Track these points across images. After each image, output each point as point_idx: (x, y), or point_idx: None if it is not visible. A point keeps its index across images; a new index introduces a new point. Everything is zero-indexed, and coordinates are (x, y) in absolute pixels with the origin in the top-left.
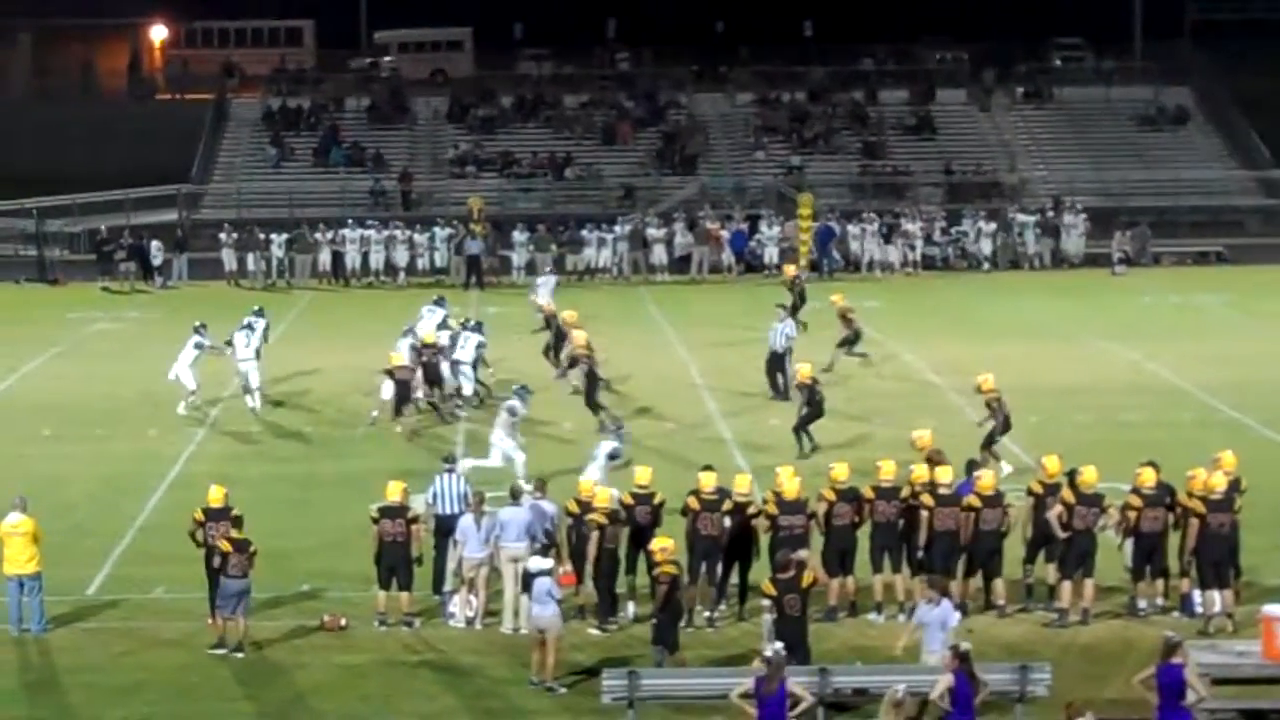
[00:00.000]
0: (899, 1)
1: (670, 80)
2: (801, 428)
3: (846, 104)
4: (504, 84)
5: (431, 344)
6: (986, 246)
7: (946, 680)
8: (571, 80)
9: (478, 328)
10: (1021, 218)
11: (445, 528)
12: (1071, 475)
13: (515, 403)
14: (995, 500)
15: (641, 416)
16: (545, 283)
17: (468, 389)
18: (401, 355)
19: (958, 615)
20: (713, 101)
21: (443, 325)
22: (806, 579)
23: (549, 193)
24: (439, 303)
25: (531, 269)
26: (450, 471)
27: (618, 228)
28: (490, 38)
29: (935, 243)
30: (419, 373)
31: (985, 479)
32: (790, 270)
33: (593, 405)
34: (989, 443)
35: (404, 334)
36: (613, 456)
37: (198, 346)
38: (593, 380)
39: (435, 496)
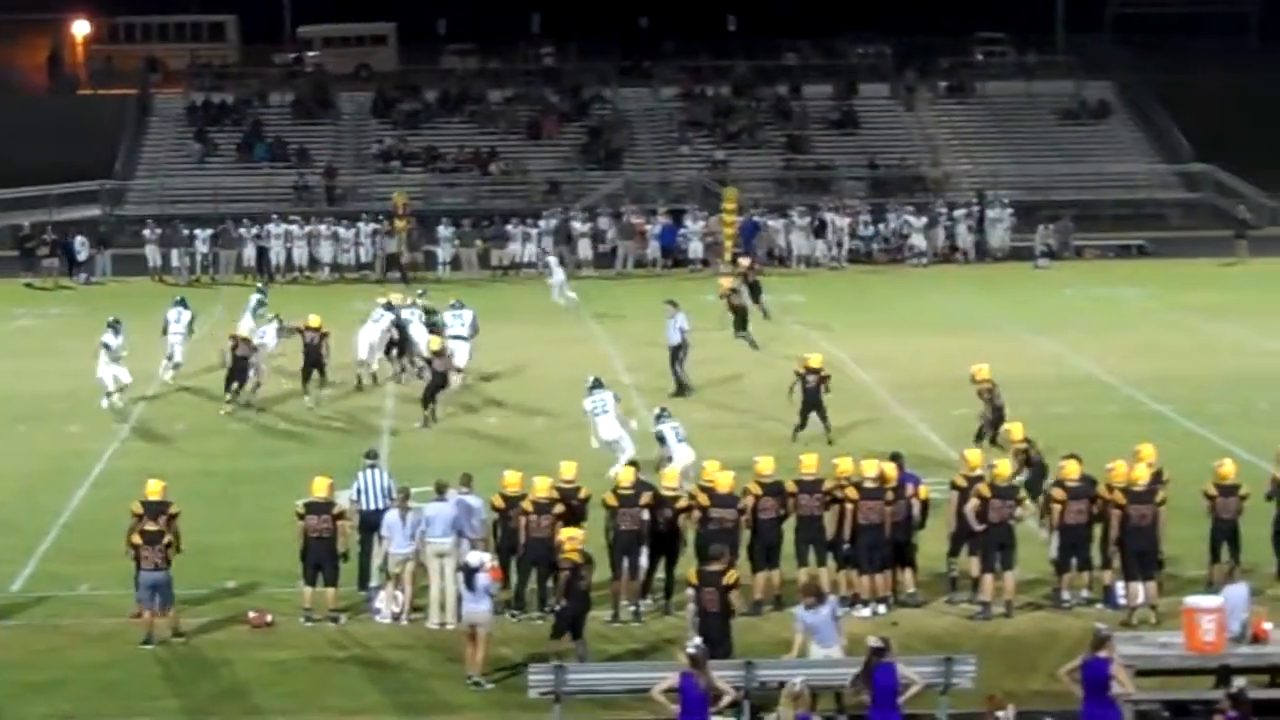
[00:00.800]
0: None
1: (595, 75)
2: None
3: (770, 98)
4: (428, 78)
5: (315, 328)
6: (920, 241)
7: (855, 670)
8: (496, 75)
9: (460, 305)
10: (956, 212)
11: (369, 523)
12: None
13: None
14: (877, 492)
15: (566, 413)
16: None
17: (461, 361)
18: (245, 330)
19: (842, 607)
20: (637, 96)
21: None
22: (730, 577)
23: (474, 187)
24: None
25: (456, 264)
26: (373, 467)
27: (542, 222)
28: (414, 32)
29: (861, 236)
30: (259, 352)
31: (887, 470)
32: (744, 262)
33: (425, 400)
34: (980, 435)
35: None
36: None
37: (105, 346)
38: (436, 380)
39: (359, 492)
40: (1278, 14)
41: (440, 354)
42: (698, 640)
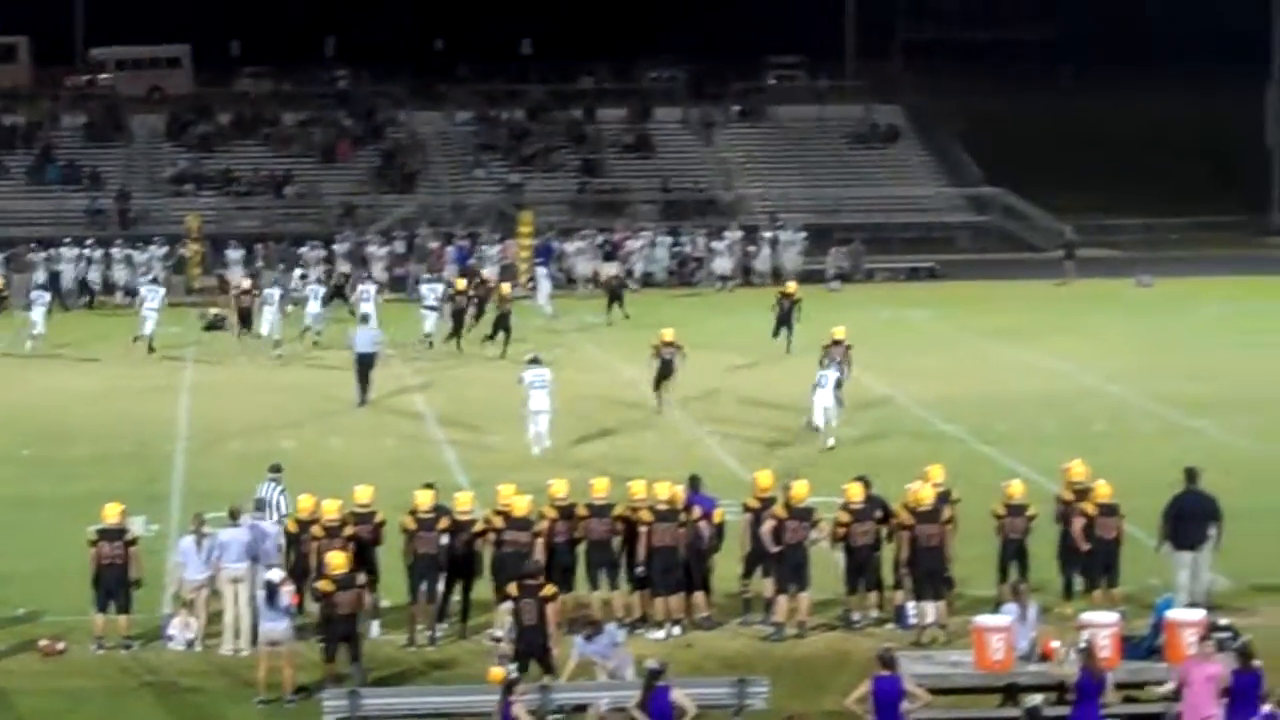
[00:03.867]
0: (617, 20)
1: (389, 98)
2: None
3: (565, 122)
4: (222, 101)
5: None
6: (723, 264)
7: (637, 695)
8: (290, 98)
9: (434, 279)
10: (763, 234)
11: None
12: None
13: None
14: (671, 515)
15: (364, 435)
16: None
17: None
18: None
19: (623, 632)
20: (432, 119)
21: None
22: (548, 590)
23: (268, 211)
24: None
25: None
26: (275, 481)
27: (337, 246)
28: (208, 55)
29: (655, 260)
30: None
31: (664, 492)
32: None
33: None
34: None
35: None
36: (839, 384)
37: None
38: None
39: (262, 504)
40: (1064, 41)
41: (505, 298)
42: (513, 666)
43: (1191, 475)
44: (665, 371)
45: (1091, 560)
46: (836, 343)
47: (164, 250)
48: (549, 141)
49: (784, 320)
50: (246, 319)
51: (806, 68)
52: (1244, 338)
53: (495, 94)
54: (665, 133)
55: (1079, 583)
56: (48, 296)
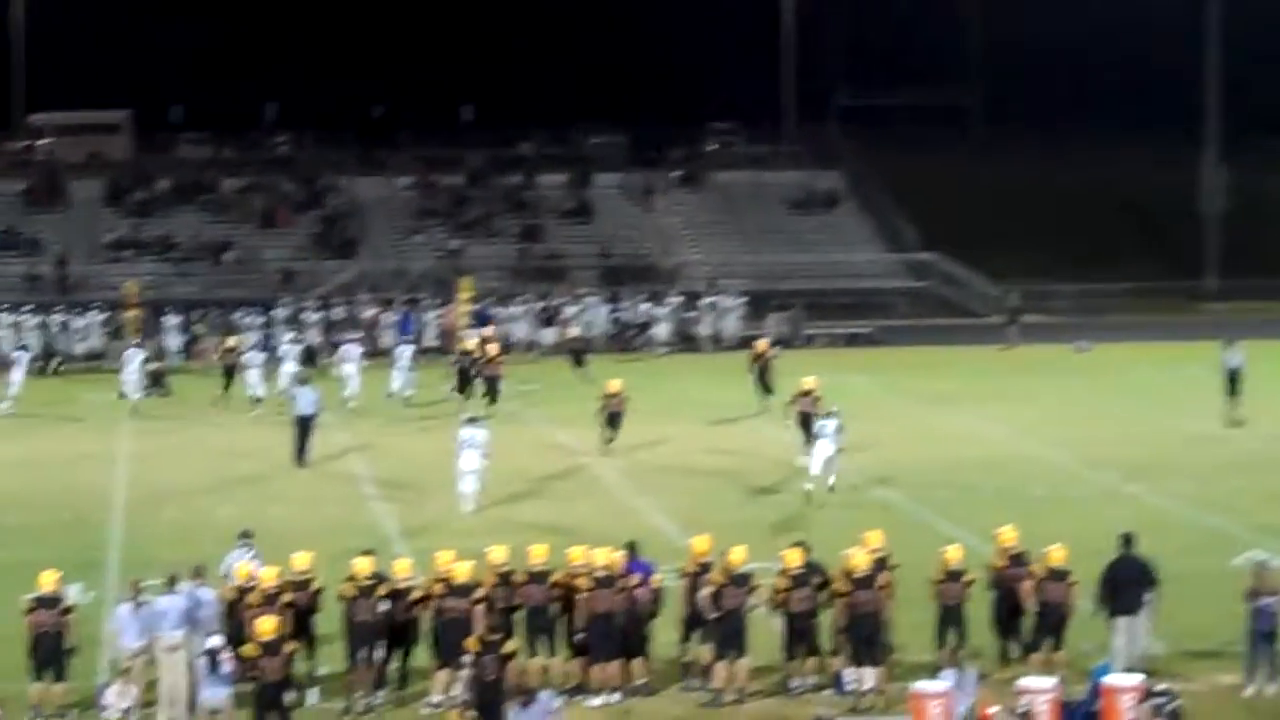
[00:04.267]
0: (557, 86)
1: (329, 164)
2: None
3: (505, 188)
4: (162, 167)
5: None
6: (662, 330)
7: None
8: (230, 164)
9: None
10: (701, 302)
11: None
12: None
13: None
14: (609, 581)
15: (303, 500)
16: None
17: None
18: None
19: (558, 700)
20: (372, 185)
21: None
22: (507, 647)
23: (207, 277)
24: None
25: (189, 351)
26: (246, 546)
27: (276, 312)
28: (148, 120)
29: (594, 326)
30: None
31: (602, 558)
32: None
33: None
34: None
35: None
36: (839, 430)
37: None
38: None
39: (229, 571)
40: (999, 106)
41: (494, 360)
42: (471, 715)
43: (1127, 540)
44: (612, 422)
45: (1036, 623)
46: (805, 394)
47: (104, 316)
48: (489, 207)
49: (762, 379)
50: (229, 378)
51: (745, 133)
52: (1179, 403)
53: (435, 160)
54: (605, 198)
55: (1015, 649)
56: (27, 356)
